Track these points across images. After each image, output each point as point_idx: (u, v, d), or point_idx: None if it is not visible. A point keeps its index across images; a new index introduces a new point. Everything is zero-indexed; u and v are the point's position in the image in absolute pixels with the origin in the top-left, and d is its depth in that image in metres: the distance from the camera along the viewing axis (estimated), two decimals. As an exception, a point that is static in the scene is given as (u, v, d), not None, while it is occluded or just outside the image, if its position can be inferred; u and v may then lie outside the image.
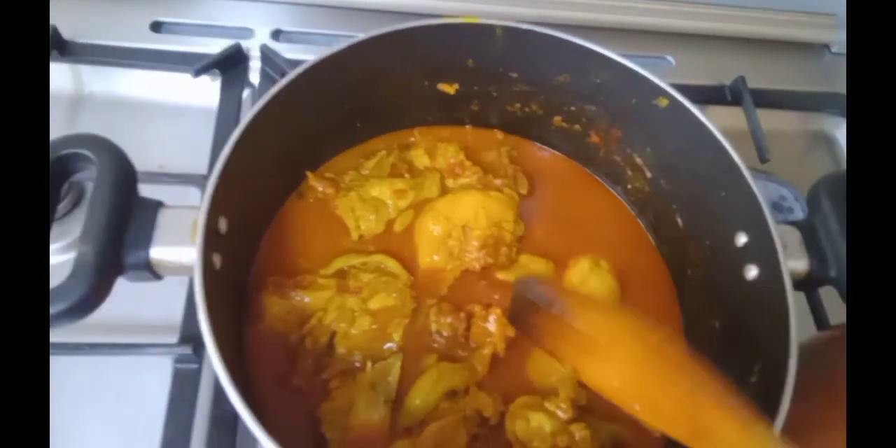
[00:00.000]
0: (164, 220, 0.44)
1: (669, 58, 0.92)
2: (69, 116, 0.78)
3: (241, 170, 0.49)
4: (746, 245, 0.52)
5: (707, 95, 0.88)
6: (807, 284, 0.51)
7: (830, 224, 0.49)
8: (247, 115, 0.48)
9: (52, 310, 0.39)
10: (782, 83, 0.93)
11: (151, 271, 0.44)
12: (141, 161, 0.70)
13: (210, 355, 0.40)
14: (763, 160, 0.80)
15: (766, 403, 0.44)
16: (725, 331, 0.55)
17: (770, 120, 0.89)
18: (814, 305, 0.68)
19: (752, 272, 0.51)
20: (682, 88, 0.86)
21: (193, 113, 0.79)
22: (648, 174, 0.63)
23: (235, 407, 0.39)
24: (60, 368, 0.60)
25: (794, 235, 0.51)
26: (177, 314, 0.63)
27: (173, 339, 0.61)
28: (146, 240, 0.43)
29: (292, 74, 0.51)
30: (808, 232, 0.51)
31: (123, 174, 0.44)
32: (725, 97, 0.88)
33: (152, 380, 0.60)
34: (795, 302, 0.46)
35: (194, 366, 0.60)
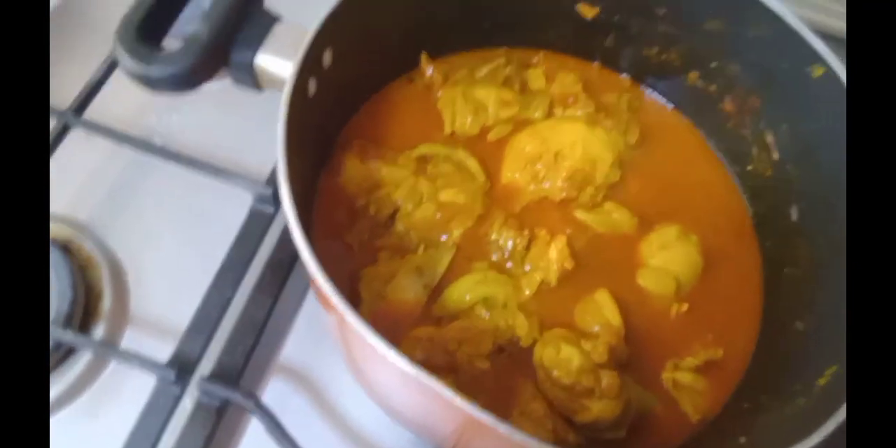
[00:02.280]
0: (278, 31, 0.44)
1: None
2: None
3: (360, 20, 0.48)
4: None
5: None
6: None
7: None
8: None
9: (154, 70, 0.40)
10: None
11: (252, 76, 0.44)
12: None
13: (279, 174, 0.39)
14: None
15: (828, 406, 0.38)
16: (808, 334, 0.48)
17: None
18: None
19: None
20: None
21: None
22: (776, 155, 0.57)
23: (296, 241, 0.38)
24: (159, 173, 0.64)
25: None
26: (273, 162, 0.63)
27: (263, 177, 0.62)
28: (256, 43, 0.43)
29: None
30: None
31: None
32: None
33: (233, 210, 0.61)
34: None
35: (270, 208, 0.61)
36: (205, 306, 0.56)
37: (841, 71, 0.49)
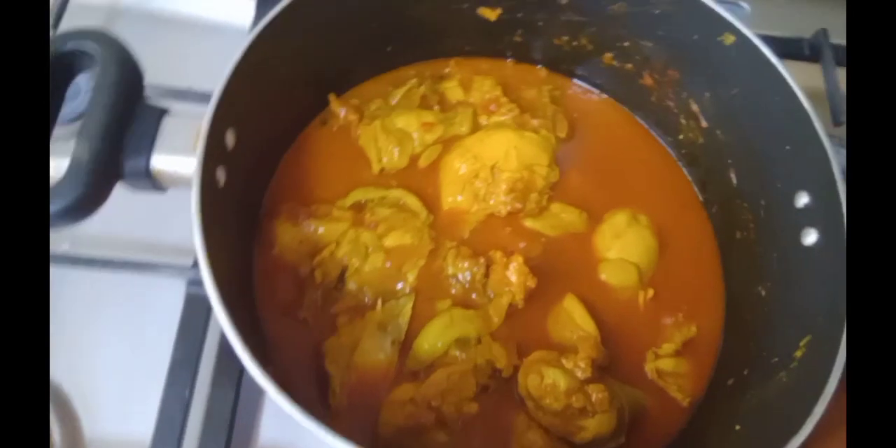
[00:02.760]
0: (167, 127, 0.41)
1: (744, 4, 0.83)
2: (104, 27, 0.76)
3: (256, 81, 0.46)
4: (807, 206, 0.46)
5: (783, 48, 0.78)
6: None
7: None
8: (263, 19, 0.44)
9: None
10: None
11: (151, 180, 0.41)
12: (170, 77, 0.70)
13: (202, 270, 0.37)
14: (837, 122, 0.72)
15: (810, 382, 0.39)
16: (771, 300, 0.50)
17: (851, 81, 0.81)
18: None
19: (810, 237, 0.46)
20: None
21: (228, 31, 0.76)
22: (704, 123, 0.56)
23: (225, 330, 0.36)
24: (75, 282, 0.60)
25: (868, 197, 0.44)
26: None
27: (189, 261, 0.60)
28: (147, 146, 0.40)
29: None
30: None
31: (128, 75, 0.40)
32: (803, 52, 0.79)
33: (167, 301, 0.58)
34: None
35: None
36: (164, 413, 0.52)
37: (752, 36, 0.48)
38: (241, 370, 0.55)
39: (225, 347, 0.56)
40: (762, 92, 0.49)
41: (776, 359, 0.44)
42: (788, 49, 0.79)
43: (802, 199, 0.47)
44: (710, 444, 0.45)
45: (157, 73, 0.67)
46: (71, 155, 0.38)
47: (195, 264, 0.57)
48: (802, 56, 0.79)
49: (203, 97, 0.67)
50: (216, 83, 0.71)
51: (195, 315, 0.57)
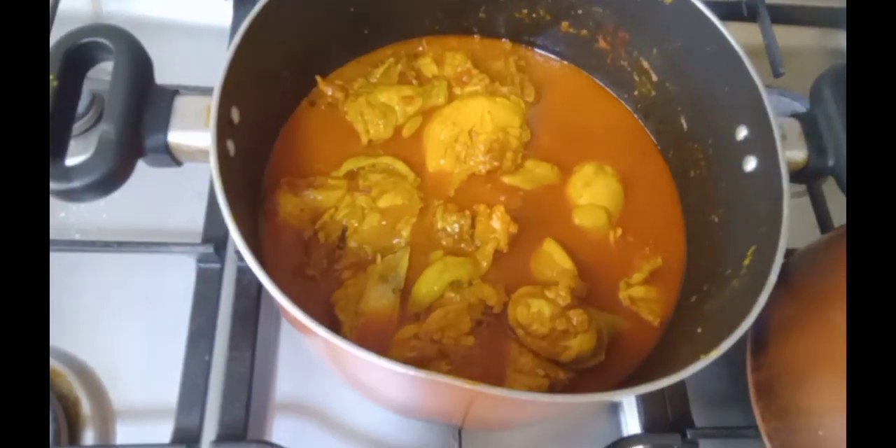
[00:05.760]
0: (180, 106, 0.46)
1: (685, -28, 0.89)
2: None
3: (252, 66, 0.51)
4: (746, 138, 0.53)
5: (723, 11, 0.86)
6: (805, 175, 0.52)
7: (831, 114, 0.50)
8: (251, 12, 0.49)
9: (77, 183, 0.42)
10: (803, -2, 0.90)
11: (170, 155, 0.46)
12: (158, 79, 0.74)
13: (231, 233, 0.43)
14: (777, 74, 0.79)
15: (757, 280, 0.46)
16: (723, 224, 0.56)
17: (788, 36, 0.88)
18: (818, 210, 0.68)
19: (750, 164, 0.52)
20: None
21: (208, 32, 0.80)
22: (654, 77, 0.63)
23: (261, 280, 0.41)
24: (92, 267, 0.66)
25: (795, 126, 0.51)
26: (200, 222, 0.66)
27: (197, 240, 0.65)
28: (164, 124, 0.45)
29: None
30: (809, 123, 0.51)
31: (140, 61, 0.46)
32: (742, 12, 0.86)
33: (178, 279, 0.64)
34: (789, 187, 0.47)
35: (216, 265, 0.63)
36: (187, 377, 0.58)
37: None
38: (255, 334, 0.61)
39: (238, 314, 0.62)
40: (700, 42, 0.55)
41: (729, 270, 0.51)
42: (728, 11, 0.86)
43: (742, 133, 0.53)
44: (678, 351, 0.51)
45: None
46: (98, 135, 0.43)
47: (203, 242, 0.63)
48: (741, 17, 0.86)
49: (191, 91, 0.72)
50: (205, 80, 0.77)
51: (208, 288, 0.63)
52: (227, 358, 0.60)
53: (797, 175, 0.51)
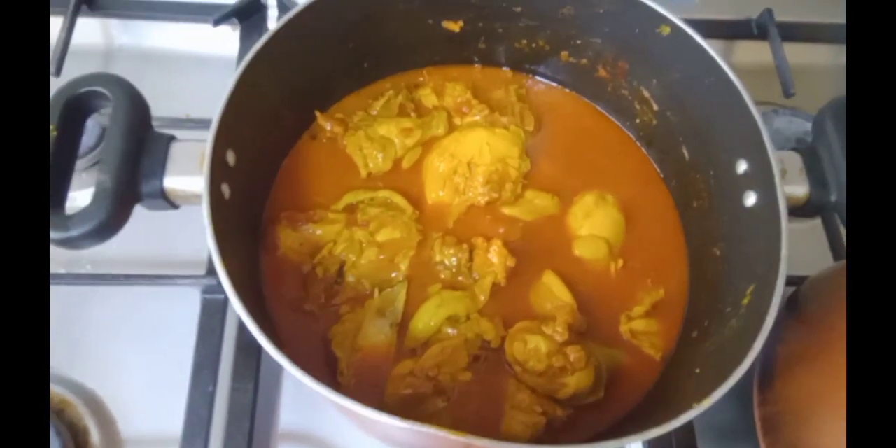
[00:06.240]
0: (175, 152, 0.47)
1: (692, -10, 0.88)
2: (102, 68, 0.82)
3: (249, 107, 0.52)
4: (746, 172, 0.52)
5: (733, 30, 0.86)
6: (807, 210, 0.50)
7: (833, 148, 0.49)
8: (250, 52, 0.50)
9: (75, 232, 0.43)
10: (812, 15, 0.88)
11: (166, 200, 0.47)
12: (168, 109, 0.76)
13: (220, 278, 0.43)
14: (787, 95, 0.78)
15: (753, 323, 0.45)
16: (725, 258, 0.55)
17: (800, 54, 0.86)
18: (830, 235, 0.66)
19: (751, 199, 0.51)
20: (708, 23, 0.85)
21: (216, 62, 0.82)
22: (655, 107, 0.62)
23: (245, 323, 0.42)
24: (101, 299, 0.67)
25: (796, 160, 0.50)
26: (205, 252, 0.68)
27: (201, 271, 0.66)
28: (160, 170, 0.47)
29: (293, 12, 0.52)
30: (811, 157, 0.50)
31: (137, 109, 0.47)
32: (752, 31, 0.85)
33: (185, 310, 0.65)
34: (787, 225, 0.46)
35: (221, 296, 0.64)
36: (192, 408, 0.59)
37: (685, 26, 0.54)
38: (258, 365, 0.62)
39: (242, 345, 0.63)
40: (698, 74, 0.54)
41: (729, 309, 0.50)
42: (737, 30, 0.85)
43: (742, 166, 0.52)
44: (679, 388, 0.50)
45: (155, 105, 0.75)
46: (95, 183, 0.44)
47: (207, 274, 0.64)
48: (751, 35, 0.85)
49: (200, 123, 0.74)
50: (213, 110, 0.79)
51: (212, 319, 0.64)
52: (231, 389, 0.61)
53: (799, 210, 0.50)
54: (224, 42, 0.82)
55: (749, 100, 0.50)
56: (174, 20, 0.82)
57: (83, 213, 0.43)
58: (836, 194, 0.48)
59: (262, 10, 0.83)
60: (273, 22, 0.83)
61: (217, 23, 0.79)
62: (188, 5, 0.82)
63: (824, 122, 0.50)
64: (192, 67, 0.83)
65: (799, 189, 0.49)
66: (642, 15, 0.56)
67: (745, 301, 0.48)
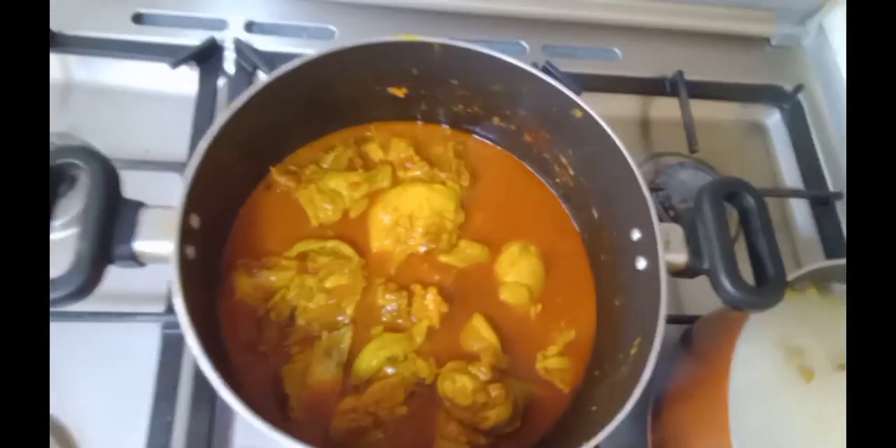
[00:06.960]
0: (145, 218, 0.53)
1: (616, 50, 0.98)
2: (60, 104, 0.85)
3: (210, 169, 0.57)
4: (639, 240, 0.62)
5: (650, 87, 0.96)
6: (686, 273, 0.61)
7: (708, 224, 0.59)
8: (214, 126, 0.56)
9: (56, 295, 0.48)
10: (723, 75, 1.00)
11: (136, 261, 0.53)
12: (127, 146, 0.80)
13: (184, 331, 0.50)
14: (692, 151, 0.89)
15: (635, 374, 0.54)
16: (622, 309, 0.65)
17: (709, 110, 0.98)
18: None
19: (641, 263, 0.61)
20: (628, 80, 0.96)
21: (174, 100, 0.86)
22: (571, 171, 0.72)
23: (203, 370, 0.49)
24: (63, 335, 0.71)
25: (678, 232, 0.60)
26: (164, 287, 0.73)
27: (161, 308, 0.72)
28: (130, 235, 0.52)
29: (254, 89, 0.59)
30: (690, 229, 0.60)
31: (110, 180, 0.52)
32: (665, 89, 0.96)
33: (143, 341, 0.71)
34: (668, 289, 0.56)
35: (180, 331, 0.70)
36: (152, 435, 0.66)
37: (592, 112, 0.63)
38: (214, 397, 0.68)
39: (200, 379, 0.69)
40: (604, 151, 0.64)
41: (621, 355, 0.60)
42: (654, 87, 0.96)
43: (636, 234, 0.62)
44: (579, 421, 0.60)
45: (113, 141, 0.78)
46: (75, 250, 0.50)
47: (167, 311, 0.70)
48: (665, 92, 0.96)
49: (158, 165, 0.78)
50: (171, 148, 0.82)
51: (171, 352, 0.70)
52: (189, 418, 0.67)
53: (680, 273, 0.60)
54: (182, 81, 0.87)
55: (641, 179, 0.60)
56: (135, 59, 0.85)
57: (63, 278, 0.48)
58: (709, 262, 0.59)
59: (219, 53, 0.88)
60: (230, 63, 0.88)
61: (176, 65, 0.83)
62: (148, 46, 0.86)
63: (702, 201, 0.60)
64: (150, 104, 0.87)
65: (679, 257, 0.59)
66: (559, 98, 0.64)
67: (633, 351, 0.58)
